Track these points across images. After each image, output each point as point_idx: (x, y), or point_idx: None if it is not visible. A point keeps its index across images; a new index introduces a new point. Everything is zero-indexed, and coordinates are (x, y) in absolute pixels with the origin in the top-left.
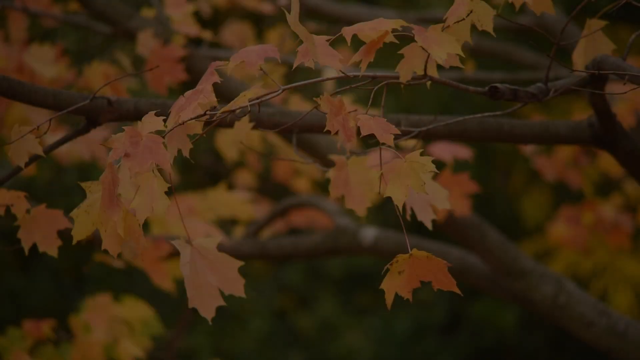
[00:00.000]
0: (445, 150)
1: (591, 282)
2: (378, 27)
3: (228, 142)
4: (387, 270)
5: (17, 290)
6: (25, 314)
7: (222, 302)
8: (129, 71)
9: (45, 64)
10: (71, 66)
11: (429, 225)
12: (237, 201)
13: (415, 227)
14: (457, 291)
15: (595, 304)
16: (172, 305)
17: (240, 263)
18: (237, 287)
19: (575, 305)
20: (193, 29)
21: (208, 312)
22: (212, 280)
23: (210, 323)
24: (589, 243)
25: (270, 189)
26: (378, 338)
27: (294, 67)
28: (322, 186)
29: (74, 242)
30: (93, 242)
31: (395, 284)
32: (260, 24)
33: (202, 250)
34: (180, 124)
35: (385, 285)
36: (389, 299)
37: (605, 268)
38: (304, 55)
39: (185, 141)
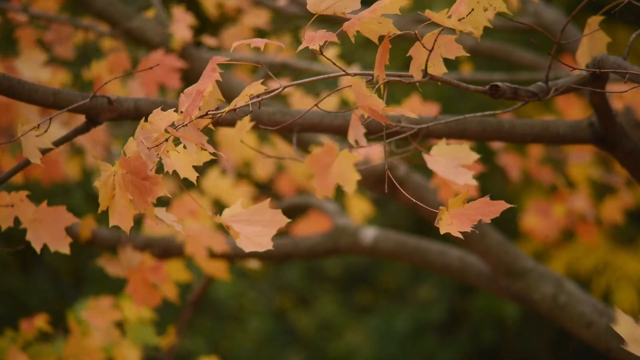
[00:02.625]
0: None
1: (592, 279)
2: (381, 21)
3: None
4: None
5: (16, 291)
6: (24, 315)
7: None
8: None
9: (38, 70)
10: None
11: (473, 182)
12: (225, 185)
13: (416, 227)
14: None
15: (595, 304)
16: (171, 306)
17: None
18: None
19: (575, 305)
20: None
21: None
22: None
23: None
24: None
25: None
26: (378, 337)
27: (298, 50)
28: None
29: (99, 210)
30: (93, 243)
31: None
32: (259, 30)
33: None
34: (191, 120)
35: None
36: None
37: (606, 266)
38: (309, 40)
39: (201, 136)
